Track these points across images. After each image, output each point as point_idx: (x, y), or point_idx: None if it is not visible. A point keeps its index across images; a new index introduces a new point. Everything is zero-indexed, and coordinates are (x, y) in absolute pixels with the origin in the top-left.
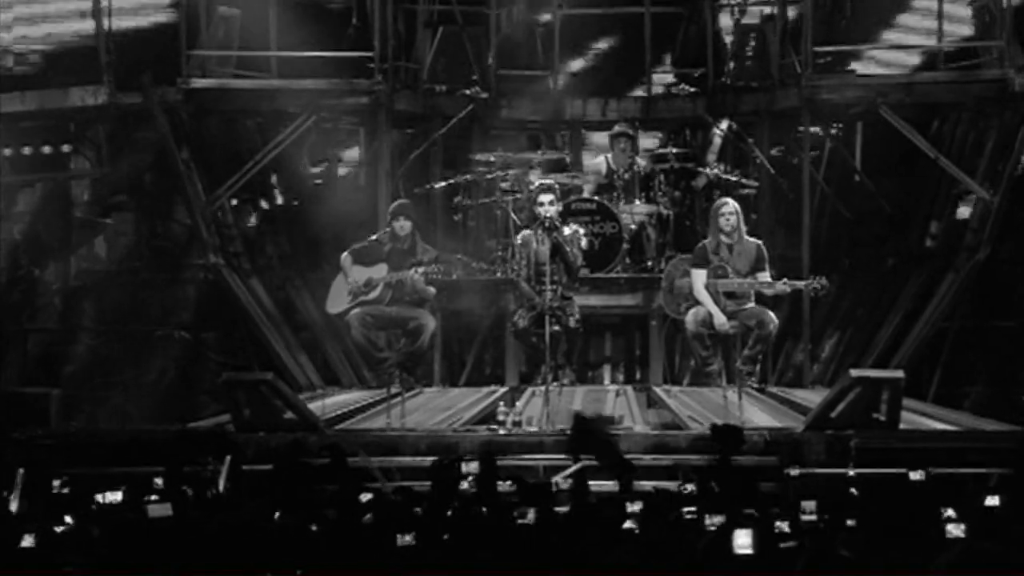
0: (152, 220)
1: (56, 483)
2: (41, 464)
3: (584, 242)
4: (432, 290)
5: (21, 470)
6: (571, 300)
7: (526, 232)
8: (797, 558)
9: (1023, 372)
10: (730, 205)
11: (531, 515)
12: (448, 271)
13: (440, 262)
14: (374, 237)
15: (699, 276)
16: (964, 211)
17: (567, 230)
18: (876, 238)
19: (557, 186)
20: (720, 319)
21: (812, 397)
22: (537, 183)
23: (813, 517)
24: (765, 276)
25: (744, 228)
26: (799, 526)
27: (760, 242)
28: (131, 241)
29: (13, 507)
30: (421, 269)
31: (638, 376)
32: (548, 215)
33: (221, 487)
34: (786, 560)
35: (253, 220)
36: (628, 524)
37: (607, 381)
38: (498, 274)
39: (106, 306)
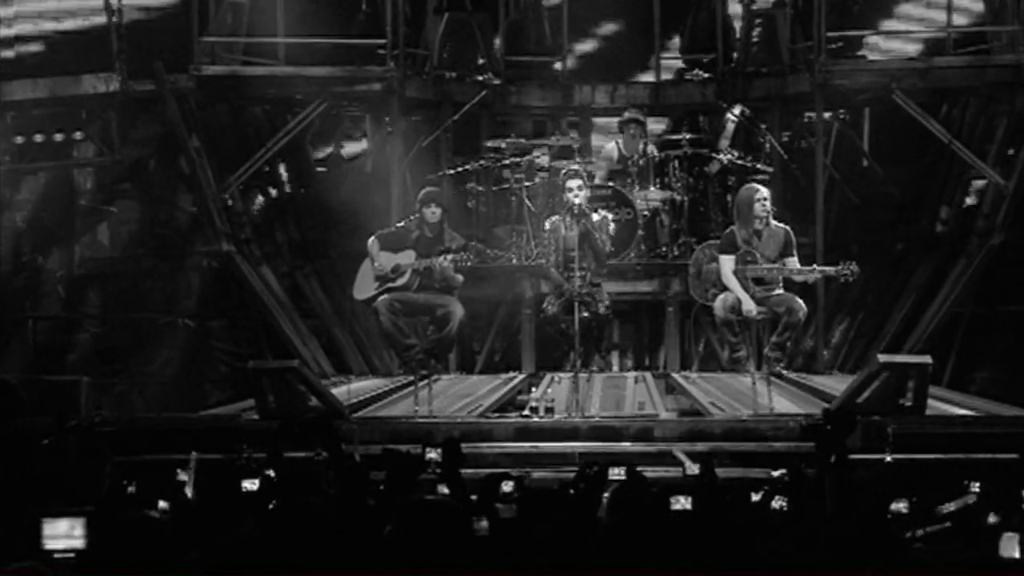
0: (155, 208)
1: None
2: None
3: (612, 229)
4: (460, 277)
5: (194, 454)
6: (599, 286)
7: (555, 218)
8: None
9: None
10: (762, 191)
11: (685, 503)
12: (476, 258)
13: (468, 249)
14: (401, 223)
15: (727, 262)
16: (973, 196)
17: (595, 216)
18: (885, 224)
19: (585, 173)
20: (748, 304)
21: (830, 383)
22: (565, 169)
23: None
24: (794, 262)
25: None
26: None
27: (787, 228)
28: (135, 229)
29: (188, 493)
30: (450, 256)
31: (647, 362)
32: (577, 201)
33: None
34: None
35: (260, 201)
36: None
37: (615, 368)
38: (513, 260)
39: (110, 294)
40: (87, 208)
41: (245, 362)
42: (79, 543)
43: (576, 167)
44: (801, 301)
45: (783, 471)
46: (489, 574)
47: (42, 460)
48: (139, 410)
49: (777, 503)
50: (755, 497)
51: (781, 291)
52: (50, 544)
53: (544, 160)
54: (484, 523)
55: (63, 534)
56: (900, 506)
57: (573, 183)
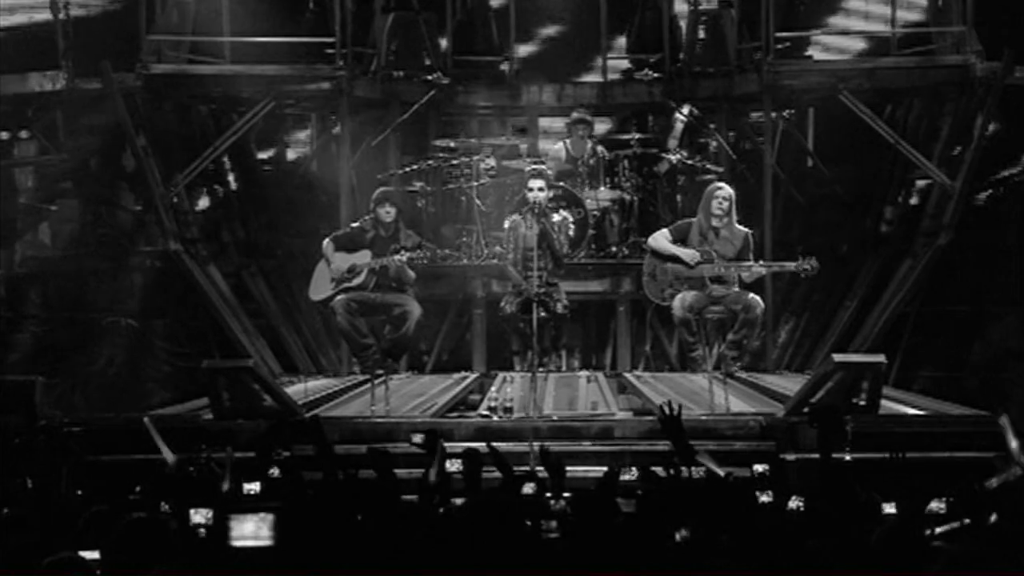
0: (97, 207)
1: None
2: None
3: (572, 230)
4: (413, 274)
5: (229, 449)
6: (557, 286)
7: (515, 217)
8: None
9: (973, 356)
10: (725, 190)
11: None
12: (432, 257)
13: (423, 248)
14: (356, 224)
15: (662, 233)
16: (916, 197)
17: (556, 217)
18: (830, 223)
19: (549, 172)
20: (689, 254)
21: (781, 382)
22: (528, 168)
23: None
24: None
25: (735, 216)
26: None
27: (749, 232)
28: (76, 228)
29: (225, 486)
30: (405, 255)
31: (594, 361)
32: (537, 201)
33: (433, 477)
34: None
35: (205, 200)
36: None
37: (562, 367)
38: (464, 261)
39: (51, 293)
40: (28, 207)
41: (188, 361)
42: (267, 541)
43: (540, 166)
44: (759, 299)
45: (765, 466)
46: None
47: (15, 459)
48: (81, 410)
49: (794, 503)
50: (764, 498)
51: (738, 289)
52: (238, 542)
53: (492, 160)
54: (553, 523)
55: (251, 533)
56: (937, 505)
57: (535, 183)
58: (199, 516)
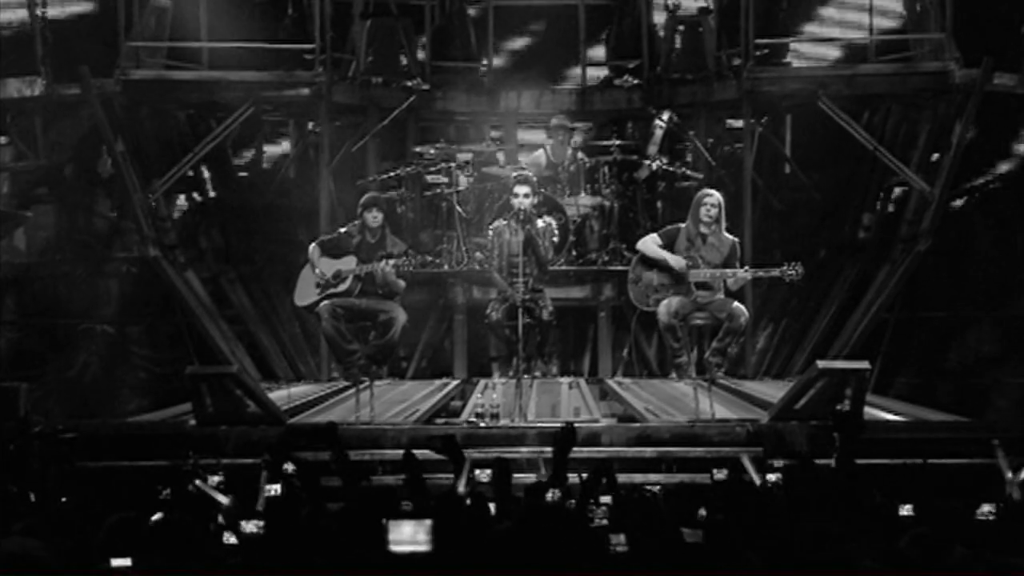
0: (73, 213)
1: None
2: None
3: (557, 236)
4: (402, 283)
5: (265, 455)
6: (542, 292)
7: (500, 223)
8: None
9: (950, 362)
10: (714, 197)
11: None
12: (419, 264)
13: (409, 255)
14: (343, 229)
15: (652, 237)
16: (893, 203)
17: (540, 223)
18: (808, 229)
19: (534, 178)
20: (677, 261)
21: (762, 388)
22: (514, 174)
23: None
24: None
25: (724, 223)
26: None
27: (736, 240)
28: (52, 234)
29: (264, 494)
30: (392, 261)
31: (573, 368)
32: (522, 207)
33: (462, 488)
34: None
35: (182, 206)
36: None
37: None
38: (444, 267)
39: (27, 299)
40: (3, 213)
41: (164, 368)
42: (424, 547)
43: (526, 172)
44: (743, 307)
45: (778, 475)
46: None
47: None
48: (57, 416)
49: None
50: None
51: (722, 296)
52: (396, 547)
53: (468, 168)
54: (621, 536)
55: (407, 538)
56: (987, 508)
57: (521, 188)
58: (251, 526)
